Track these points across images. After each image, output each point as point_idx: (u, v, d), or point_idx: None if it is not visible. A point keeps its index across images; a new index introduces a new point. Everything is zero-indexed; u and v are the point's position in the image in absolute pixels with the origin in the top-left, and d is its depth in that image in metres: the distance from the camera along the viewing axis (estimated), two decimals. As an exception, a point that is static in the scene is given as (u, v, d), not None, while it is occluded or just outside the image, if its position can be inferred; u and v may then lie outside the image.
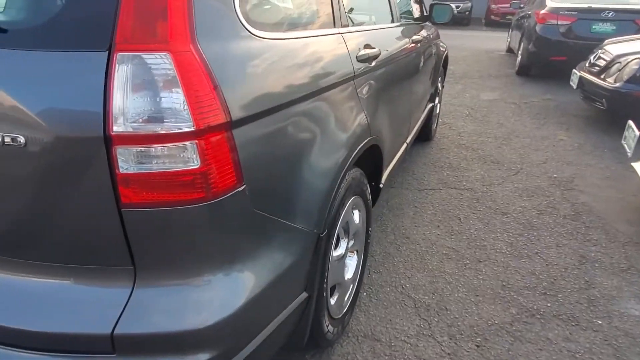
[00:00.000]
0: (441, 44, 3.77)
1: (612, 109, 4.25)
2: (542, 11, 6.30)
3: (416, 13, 3.12)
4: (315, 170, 1.25)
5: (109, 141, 0.83)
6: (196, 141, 0.87)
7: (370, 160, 1.96)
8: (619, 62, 4.20)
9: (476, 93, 6.17)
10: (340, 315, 1.72)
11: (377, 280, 2.18)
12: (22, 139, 0.85)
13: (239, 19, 1.03)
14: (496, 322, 1.93)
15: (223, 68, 0.94)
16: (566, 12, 6.10)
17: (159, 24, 0.86)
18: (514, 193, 3.16)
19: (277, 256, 1.14)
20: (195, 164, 0.88)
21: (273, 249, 1.13)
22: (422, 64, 2.89)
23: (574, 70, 4.93)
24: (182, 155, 0.87)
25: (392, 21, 2.34)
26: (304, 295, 1.30)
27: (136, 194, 0.87)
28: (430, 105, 3.60)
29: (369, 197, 1.90)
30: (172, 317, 0.95)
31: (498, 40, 11.78)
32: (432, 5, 3.10)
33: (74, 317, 0.93)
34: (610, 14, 5.93)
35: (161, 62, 0.85)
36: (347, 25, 1.63)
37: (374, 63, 1.77)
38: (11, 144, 0.86)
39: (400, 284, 2.16)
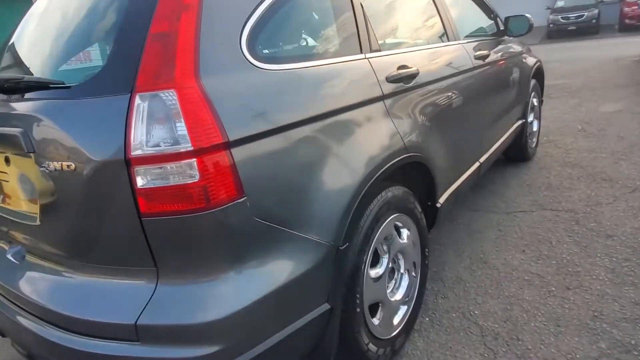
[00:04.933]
0: (530, 57, 3.53)
1: None
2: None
3: (491, 28, 3.01)
4: (328, 185, 1.32)
5: (129, 163, 1.04)
6: (195, 159, 1.04)
7: (421, 179, 1.94)
8: None
9: (594, 106, 5.49)
10: (388, 337, 1.69)
11: (443, 305, 2.07)
12: (73, 165, 1.12)
13: (243, 54, 1.19)
14: (578, 356, 1.68)
15: (222, 98, 1.10)
16: None
17: (169, 68, 1.06)
18: (626, 213, 2.73)
19: (287, 263, 1.22)
20: (195, 178, 1.04)
21: (282, 257, 1.21)
22: (497, 80, 2.75)
23: None
24: (184, 171, 1.04)
25: (449, 40, 2.32)
26: (326, 306, 1.34)
27: (152, 205, 1.06)
28: (520, 122, 3.35)
29: (421, 216, 1.87)
30: (185, 311, 1.09)
31: (632, 46, 10.34)
32: (506, 19, 2.97)
33: (107, 308, 1.14)
34: None
35: (168, 98, 1.04)
36: (379, 50, 1.71)
37: (412, 82, 1.80)
38: (66, 169, 1.13)
39: (469, 310, 2.02)
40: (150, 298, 1.11)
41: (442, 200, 2.07)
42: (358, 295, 1.49)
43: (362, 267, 1.50)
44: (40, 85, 1.23)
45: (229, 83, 1.14)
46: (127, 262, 1.14)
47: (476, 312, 2.01)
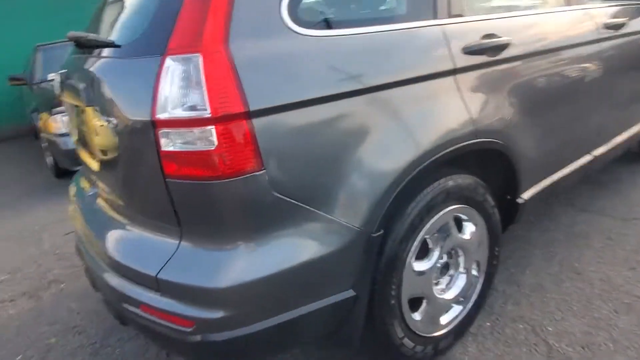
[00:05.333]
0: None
1: None
2: None
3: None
4: (364, 168, 1.21)
5: (154, 125, 1.07)
6: (214, 126, 1.02)
7: (502, 169, 1.69)
8: None
9: None
10: (430, 335, 1.56)
11: (512, 313, 1.83)
12: (115, 121, 1.19)
13: (281, 18, 1.12)
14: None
15: (251, 65, 1.05)
16: None
17: (199, 31, 1.05)
18: None
19: (308, 243, 1.17)
20: (212, 146, 1.03)
21: (304, 235, 1.16)
22: (633, 56, 2.22)
23: None
24: (202, 138, 1.04)
25: (567, 3, 1.92)
26: (350, 293, 1.26)
27: (174, 168, 1.09)
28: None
29: (493, 211, 1.64)
30: (200, 273, 1.12)
31: None
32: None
33: (140, 257, 1.23)
34: None
35: (193, 62, 1.03)
36: (460, 14, 1.47)
37: (501, 55, 1.53)
38: (112, 124, 1.21)
39: (541, 325, 1.76)
40: (173, 255, 1.16)
41: (526, 195, 1.78)
42: (394, 287, 1.38)
43: (404, 257, 1.38)
44: (100, 44, 1.33)
45: (262, 49, 1.08)
46: (159, 218, 1.20)
47: (550, 328, 1.73)
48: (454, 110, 1.40)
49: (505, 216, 1.80)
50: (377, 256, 1.32)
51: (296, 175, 1.13)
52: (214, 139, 1.03)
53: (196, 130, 1.04)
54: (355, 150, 1.20)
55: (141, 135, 1.12)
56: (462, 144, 1.40)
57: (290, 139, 1.11)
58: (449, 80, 1.40)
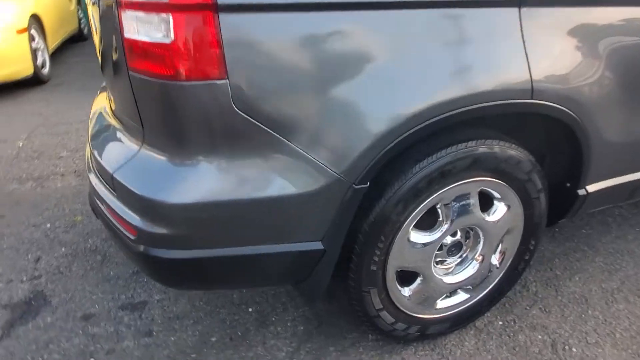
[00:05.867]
0: None
1: None
2: None
3: None
4: (357, 103, 0.97)
5: (119, 4, 0.94)
6: (171, 14, 0.86)
7: (568, 148, 1.33)
8: None
9: None
10: (417, 315, 1.36)
11: (534, 319, 1.54)
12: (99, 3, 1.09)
13: None
14: None
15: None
16: None
17: None
18: None
19: (274, 178, 1.01)
20: (169, 38, 0.88)
21: (270, 168, 1.00)
22: None
23: None
24: (160, 28, 0.89)
25: None
26: (318, 245, 1.10)
27: (135, 59, 0.97)
28: None
29: (537, 195, 1.32)
30: (151, 183, 1.03)
31: None
32: None
33: (108, 155, 1.18)
34: None
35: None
36: None
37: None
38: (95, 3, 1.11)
39: (565, 342, 1.46)
40: (132, 158, 1.08)
41: (592, 188, 1.40)
42: (378, 253, 1.19)
43: (399, 222, 1.16)
44: None
45: None
46: (132, 117, 1.11)
47: (574, 350, 1.43)
48: (506, 52, 1.07)
49: (557, 207, 1.46)
50: (362, 213, 1.12)
51: (266, 95, 0.95)
52: (171, 30, 0.88)
53: (155, 18, 0.89)
54: (348, 79, 0.97)
55: (112, 19, 1.00)
56: (505, 101, 1.09)
57: (265, 48, 0.92)
58: (510, 12, 1.06)
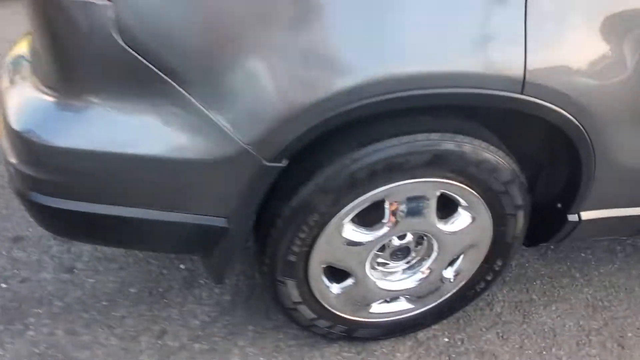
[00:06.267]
0: None
1: None
2: None
3: None
4: (275, 61, 0.76)
5: None
6: None
7: (566, 161, 1.08)
8: None
9: None
10: (345, 316, 1.20)
11: (487, 344, 1.35)
12: None
13: None
14: None
15: None
16: None
17: None
18: None
19: (168, 134, 0.84)
20: None
21: (165, 122, 0.83)
22: None
23: None
24: None
25: None
26: (221, 222, 0.93)
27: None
28: None
29: (514, 212, 1.09)
30: (38, 120, 0.89)
31: None
32: None
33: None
34: None
35: None
36: None
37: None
38: None
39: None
40: (22, 91, 0.93)
41: (587, 215, 1.15)
42: (299, 243, 1.01)
43: (328, 214, 0.98)
44: None
45: None
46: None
47: (519, 390, 1.25)
48: (498, 20, 0.81)
49: (544, 227, 1.22)
50: (284, 195, 0.94)
51: (161, 29, 0.75)
52: None
53: None
54: (269, 22, 0.74)
55: None
56: (481, 91, 0.84)
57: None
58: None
